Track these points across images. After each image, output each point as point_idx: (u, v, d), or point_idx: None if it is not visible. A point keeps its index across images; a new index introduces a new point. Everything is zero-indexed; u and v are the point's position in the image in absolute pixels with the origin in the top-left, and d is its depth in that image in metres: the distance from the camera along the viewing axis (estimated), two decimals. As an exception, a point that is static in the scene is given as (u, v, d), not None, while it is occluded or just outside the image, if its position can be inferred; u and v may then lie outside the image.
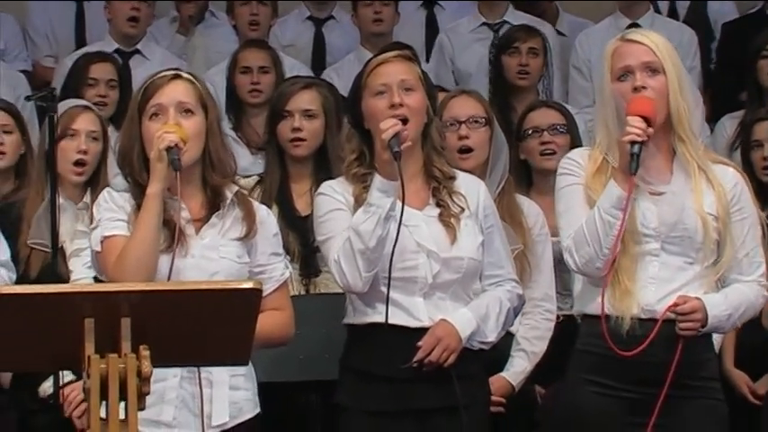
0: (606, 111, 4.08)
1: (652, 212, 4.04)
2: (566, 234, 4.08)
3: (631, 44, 4.06)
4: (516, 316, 4.46)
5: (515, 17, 7.25)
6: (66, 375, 4.51)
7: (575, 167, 4.12)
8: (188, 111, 4.05)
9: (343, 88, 6.12)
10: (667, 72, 4.03)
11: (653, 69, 4.03)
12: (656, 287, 4.02)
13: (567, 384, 4.15)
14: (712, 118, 6.76)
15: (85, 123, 4.96)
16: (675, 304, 3.98)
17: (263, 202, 4.48)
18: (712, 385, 4.10)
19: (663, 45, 4.07)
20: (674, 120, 4.03)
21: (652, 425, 3.95)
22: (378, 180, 4.15)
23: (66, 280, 4.55)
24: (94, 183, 4.94)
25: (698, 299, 4.00)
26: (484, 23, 7.27)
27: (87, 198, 4.92)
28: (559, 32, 7.52)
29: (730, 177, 4.11)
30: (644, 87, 4.01)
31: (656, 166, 4.06)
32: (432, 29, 7.65)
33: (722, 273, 4.06)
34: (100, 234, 4.05)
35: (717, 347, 4.65)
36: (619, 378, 3.99)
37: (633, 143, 3.92)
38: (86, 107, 5.10)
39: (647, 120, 3.95)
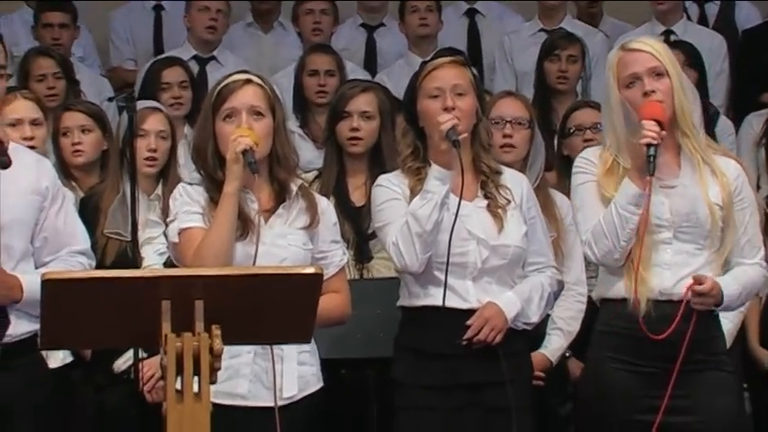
0: (614, 116, 4.08)
1: (665, 205, 4.04)
2: (583, 228, 4.11)
3: (635, 53, 4.07)
4: (556, 299, 4.50)
5: (572, 25, 7.23)
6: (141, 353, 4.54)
7: (589, 165, 4.14)
8: (258, 113, 4.08)
9: (394, 90, 6.12)
10: (670, 74, 4.04)
11: (658, 74, 4.04)
12: (671, 272, 4.04)
13: (591, 362, 4.16)
14: (735, 118, 6.72)
15: (154, 124, 4.96)
16: (694, 283, 3.99)
17: (321, 194, 4.49)
18: (722, 359, 4.11)
19: (663, 50, 4.08)
20: (678, 117, 4.05)
21: (669, 396, 3.98)
22: (434, 169, 4.19)
23: (137, 267, 4.56)
24: (165, 176, 4.96)
25: (714, 281, 4.01)
26: (542, 29, 7.25)
27: (159, 190, 4.94)
28: (601, 30, 7.52)
29: (733, 169, 4.12)
30: (653, 91, 4.02)
31: (666, 161, 4.06)
32: (474, 36, 7.63)
33: (726, 256, 4.08)
34: (177, 226, 4.08)
35: (732, 329, 4.74)
36: (638, 355, 4.01)
37: (649, 146, 3.94)
38: (155, 108, 5.10)
39: (659, 123, 3.97)
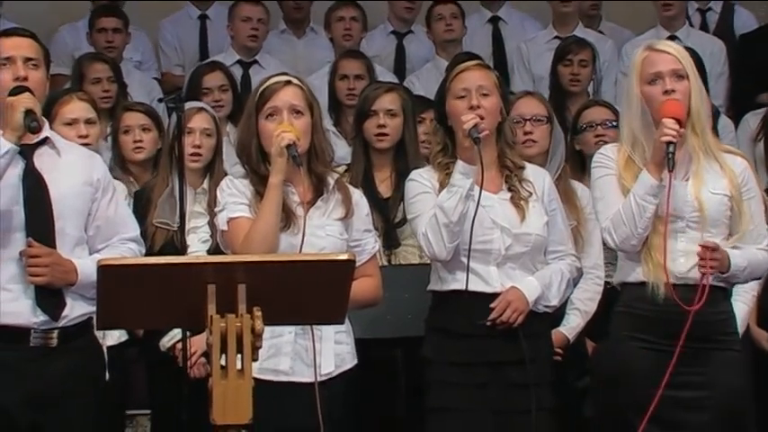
0: (632, 113, 4.07)
1: (678, 195, 4.00)
2: (603, 217, 4.08)
3: (660, 53, 4.06)
4: (575, 285, 4.51)
5: (584, 33, 7.19)
6: (179, 333, 4.50)
7: (607, 160, 4.11)
8: (298, 112, 4.08)
9: (423, 90, 6.10)
10: (689, 78, 4.03)
11: (679, 76, 4.03)
12: (684, 259, 4.01)
13: (612, 341, 4.13)
14: (735, 117, 6.66)
15: (199, 122, 4.93)
16: (704, 246, 3.97)
17: (350, 186, 4.47)
18: (732, 338, 4.10)
19: (684, 55, 4.07)
20: (693, 117, 4.03)
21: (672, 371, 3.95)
22: (459, 165, 4.19)
23: (182, 254, 4.52)
24: (211, 171, 4.91)
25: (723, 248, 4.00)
26: (556, 36, 7.22)
27: (205, 184, 4.90)
28: (601, 31, 7.49)
29: (738, 163, 4.11)
30: (673, 90, 4.00)
31: (677, 157, 4.00)
32: (497, 41, 7.61)
33: (735, 243, 4.05)
34: (226, 216, 4.08)
35: (748, 312, 4.75)
36: (656, 334, 3.98)
37: (669, 143, 3.91)
38: (201, 108, 5.07)
39: (678, 121, 3.95)
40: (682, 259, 4.00)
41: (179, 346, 4.55)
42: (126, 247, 4.00)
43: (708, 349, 3.99)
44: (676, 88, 3.99)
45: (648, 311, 3.99)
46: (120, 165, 5.34)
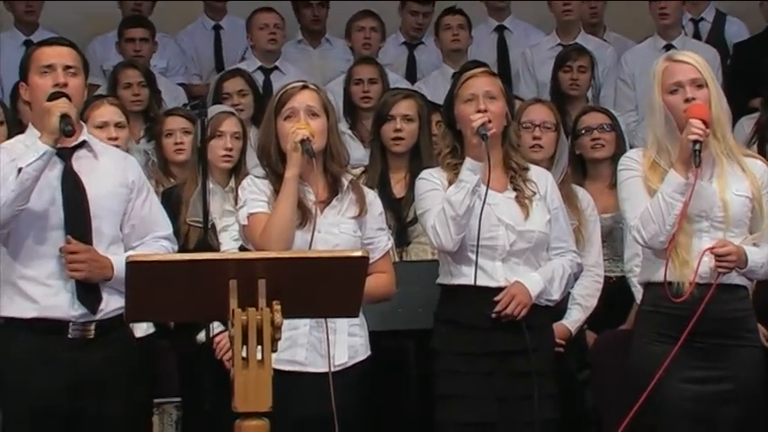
0: (655, 121, 4.06)
1: (707, 197, 4.00)
2: (631, 216, 4.08)
3: (680, 64, 4.05)
4: (576, 280, 4.50)
5: (586, 40, 7.17)
6: (218, 327, 4.52)
7: (633, 163, 4.12)
8: (314, 113, 4.09)
9: (430, 96, 6.09)
10: (709, 86, 4.02)
11: (699, 85, 4.02)
12: (709, 258, 3.99)
13: (638, 338, 4.12)
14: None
15: (229, 126, 4.96)
16: (714, 247, 3.97)
17: (367, 188, 4.46)
18: (753, 335, 4.10)
19: (703, 63, 4.07)
20: (714, 123, 4.01)
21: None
22: (467, 161, 4.20)
23: (217, 251, 4.54)
24: (237, 171, 4.94)
25: (737, 246, 3.99)
26: (559, 44, 7.20)
27: (232, 183, 4.91)
28: (605, 40, 7.47)
29: (759, 167, 4.11)
30: (694, 99, 3.99)
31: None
32: (502, 49, 7.60)
33: (756, 239, 4.04)
34: (246, 211, 4.09)
35: None
36: (681, 331, 3.95)
37: (695, 141, 3.91)
38: (230, 113, 5.11)
39: (705, 122, 3.94)
40: (706, 258, 3.97)
41: (216, 339, 4.57)
42: (159, 245, 4.02)
43: (729, 346, 3.99)
44: (697, 96, 3.99)
45: (673, 309, 3.97)
46: (163, 166, 5.39)
